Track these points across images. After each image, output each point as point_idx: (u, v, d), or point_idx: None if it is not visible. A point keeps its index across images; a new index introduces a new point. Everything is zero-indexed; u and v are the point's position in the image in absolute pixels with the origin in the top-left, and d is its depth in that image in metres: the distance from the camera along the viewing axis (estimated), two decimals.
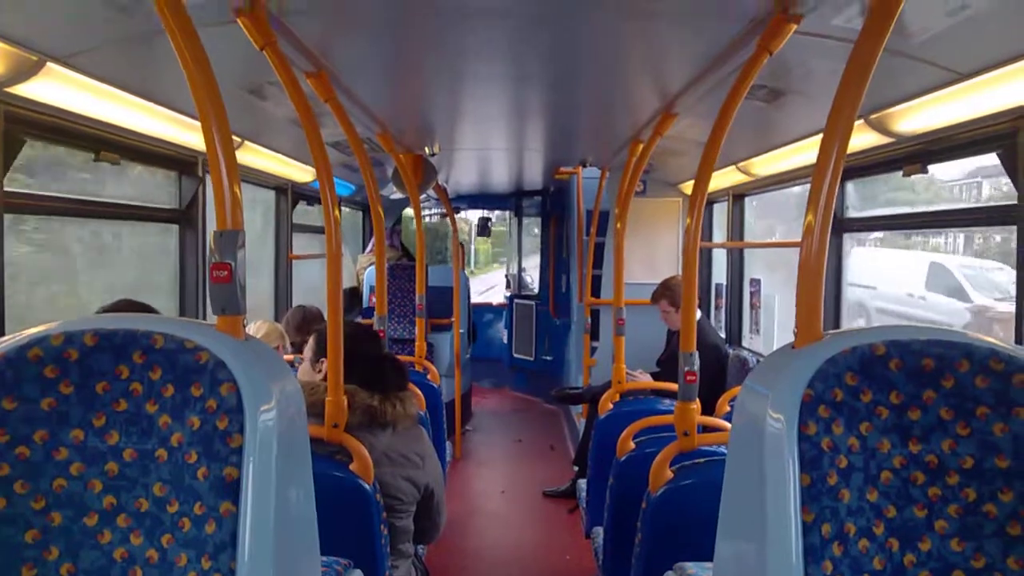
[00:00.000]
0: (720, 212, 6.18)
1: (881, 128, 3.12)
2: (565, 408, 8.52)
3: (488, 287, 14.86)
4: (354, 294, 7.82)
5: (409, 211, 9.40)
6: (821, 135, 1.77)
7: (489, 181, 8.75)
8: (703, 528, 1.93)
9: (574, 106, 4.26)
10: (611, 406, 4.12)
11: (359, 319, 6.95)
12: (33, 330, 1.62)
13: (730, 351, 5.27)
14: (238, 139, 4.10)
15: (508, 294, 11.18)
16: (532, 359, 10.19)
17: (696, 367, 2.80)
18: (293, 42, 2.60)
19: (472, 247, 13.76)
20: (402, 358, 3.41)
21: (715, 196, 5.96)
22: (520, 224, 11.37)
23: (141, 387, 1.58)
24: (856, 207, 4.22)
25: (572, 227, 8.30)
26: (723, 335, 5.88)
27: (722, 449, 2.77)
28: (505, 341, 10.77)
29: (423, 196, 6.51)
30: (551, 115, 4.60)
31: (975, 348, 1.57)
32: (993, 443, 1.54)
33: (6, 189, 2.66)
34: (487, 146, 5.92)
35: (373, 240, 7.37)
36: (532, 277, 11.21)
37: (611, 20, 2.58)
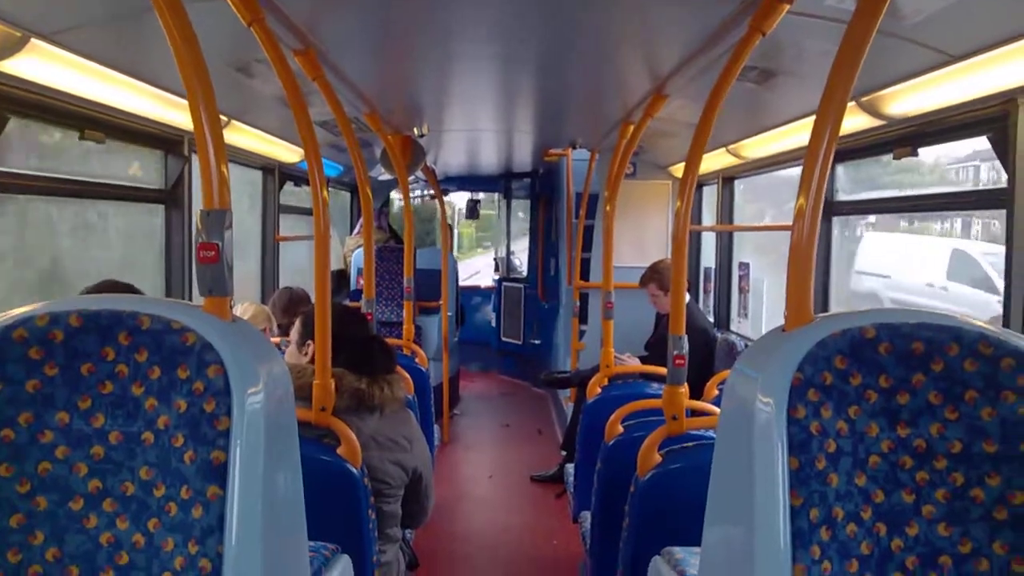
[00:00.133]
0: (709, 195, 6.17)
1: (872, 111, 3.12)
2: (553, 392, 8.52)
3: (472, 272, 14.65)
4: (341, 276, 7.79)
5: (396, 192, 9.36)
6: (813, 117, 1.76)
7: (478, 163, 8.72)
8: (691, 512, 1.93)
9: (564, 87, 4.24)
10: (599, 390, 4.11)
11: (347, 302, 6.93)
12: (17, 311, 1.59)
13: (718, 335, 5.27)
14: (225, 118, 4.05)
15: (497, 277, 11.17)
16: (520, 343, 10.20)
17: (685, 351, 2.79)
18: (281, 18, 2.56)
19: (456, 231, 13.67)
20: (390, 341, 3.39)
21: (705, 179, 5.94)
22: (509, 206, 11.34)
23: (127, 369, 1.56)
24: (846, 190, 4.22)
25: (561, 210, 8.28)
26: (711, 319, 5.89)
27: (710, 433, 2.77)
28: (493, 324, 10.77)
29: (411, 178, 6.47)
30: (541, 96, 4.58)
31: (965, 332, 1.57)
32: (981, 427, 1.54)
33: None
34: (476, 127, 5.88)
35: (361, 222, 7.34)
36: (521, 260, 11.20)
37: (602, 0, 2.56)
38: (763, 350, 1.77)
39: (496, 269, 11.56)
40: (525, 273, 10.70)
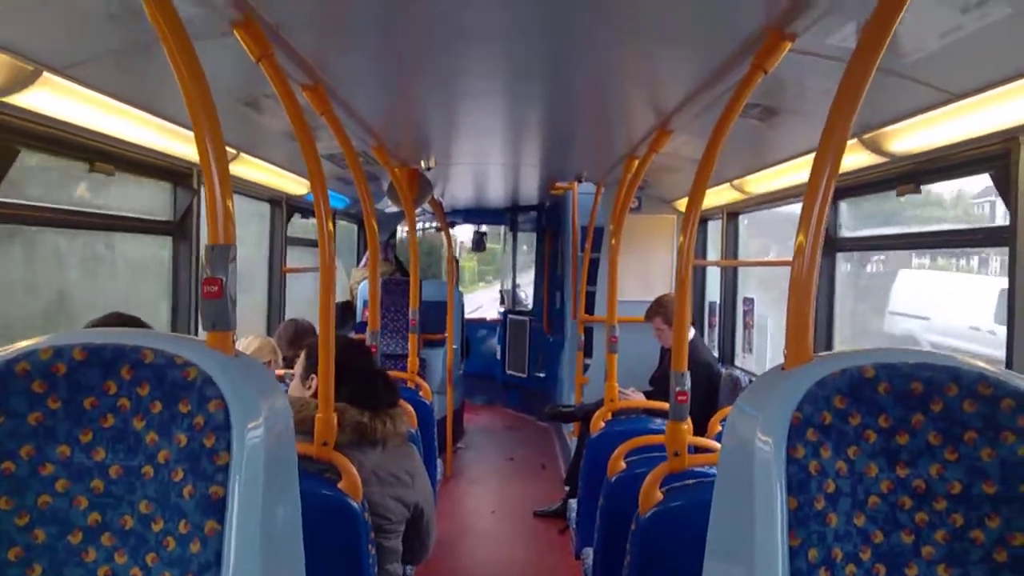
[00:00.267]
0: (714, 230, 6.18)
1: (874, 148, 3.13)
2: (557, 426, 8.48)
3: (475, 307, 14.47)
4: (347, 308, 7.80)
5: (403, 225, 9.40)
6: (815, 154, 1.77)
7: (485, 196, 8.75)
8: (692, 550, 1.91)
9: (570, 122, 4.27)
10: (603, 425, 4.09)
11: (352, 334, 6.93)
12: (21, 344, 1.61)
13: (723, 370, 5.26)
14: (233, 151, 4.09)
15: (502, 310, 11.16)
16: (525, 376, 10.16)
17: (688, 386, 2.78)
18: (290, 54, 2.60)
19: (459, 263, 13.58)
20: (394, 374, 3.39)
21: (709, 213, 5.96)
22: (515, 239, 11.37)
23: (129, 403, 1.57)
24: (864, 225, 4.20)
25: (567, 243, 8.29)
26: (716, 354, 5.87)
27: (712, 470, 2.75)
28: (498, 357, 10.75)
29: (418, 210, 6.50)
30: (547, 131, 4.61)
31: (964, 372, 1.57)
32: (981, 468, 1.54)
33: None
34: (483, 161, 5.92)
35: (367, 254, 7.37)
36: (526, 293, 11.20)
37: (607, 38, 2.59)
38: (763, 388, 1.77)
39: (502, 302, 11.56)
40: (531, 306, 10.71)
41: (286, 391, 2.92)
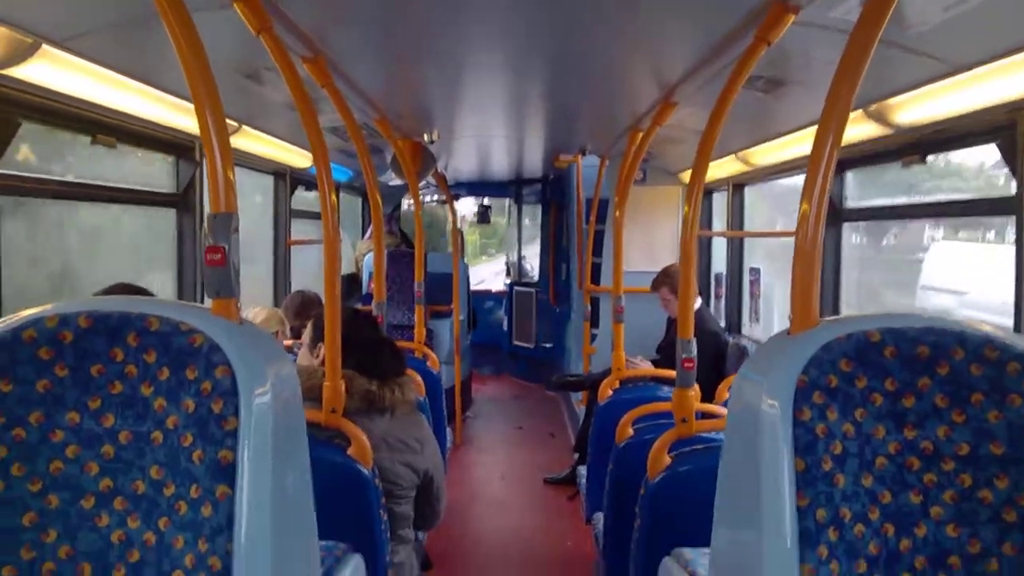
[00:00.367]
0: (720, 201, 6.17)
1: (880, 119, 3.12)
2: (565, 395, 8.52)
3: (477, 281, 14.39)
4: (353, 280, 7.82)
5: (408, 197, 9.39)
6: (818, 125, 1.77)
7: (489, 168, 8.74)
8: (701, 514, 1.93)
9: (574, 94, 4.25)
10: (611, 393, 4.12)
11: (358, 305, 6.95)
12: (27, 312, 1.62)
13: (729, 339, 5.27)
14: (235, 124, 4.09)
15: (508, 281, 11.18)
16: (532, 346, 10.21)
17: (694, 354, 2.81)
18: (290, 27, 2.58)
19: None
20: (402, 344, 3.40)
21: (715, 185, 5.95)
22: (520, 212, 11.36)
23: (136, 369, 1.58)
24: (864, 197, 4.17)
25: (572, 215, 8.29)
26: (723, 323, 5.89)
27: (720, 436, 2.77)
28: (505, 328, 10.78)
29: (422, 183, 6.49)
30: (551, 103, 4.59)
31: (970, 336, 1.57)
32: (988, 430, 1.55)
33: (1, 172, 2.65)
34: (486, 133, 5.90)
35: (372, 226, 7.38)
36: (532, 265, 11.21)
37: (610, 9, 2.57)
38: (768, 353, 1.77)
39: (508, 274, 11.57)
40: (537, 278, 10.71)
41: (294, 361, 2.94)
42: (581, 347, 6.71)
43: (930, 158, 3.30)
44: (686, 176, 6.25)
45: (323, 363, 2.73)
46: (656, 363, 5.01)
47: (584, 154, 6.51)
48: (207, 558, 1.51)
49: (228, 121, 1.80)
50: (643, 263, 6.04)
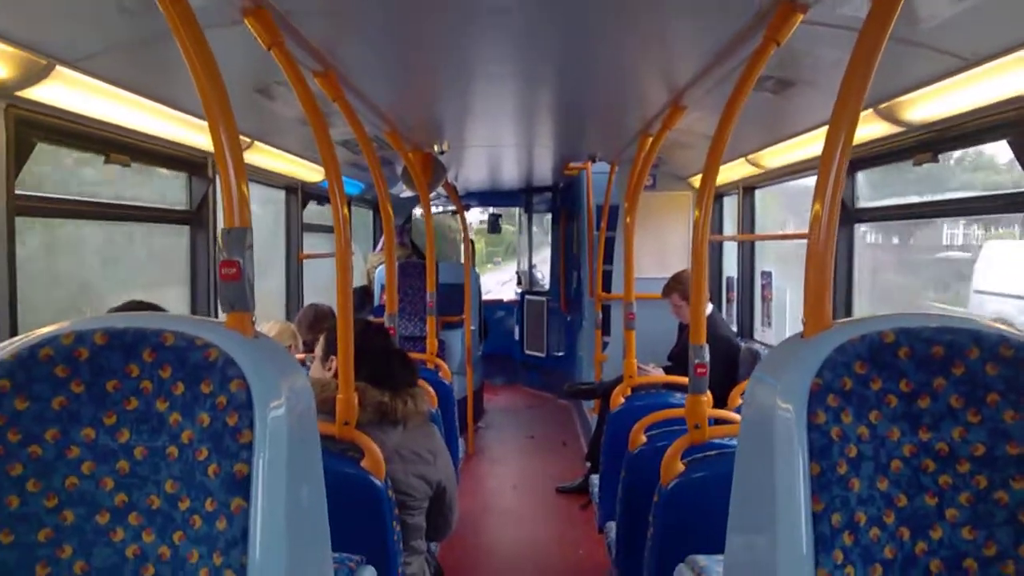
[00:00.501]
0: (731, 205, 6.15)
1: (890, 117, 3.10)
2: (577, 403, 8.51)
3: (485, 291, 14.31)
4: (365, 292, 7.84)
5: (419, 209, 9.41)
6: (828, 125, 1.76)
7: (499, 178, 8.75)
8: (715, 520, 1.93)
9: (583, 101, 4.25)
10: (623, 400, 4.11)
11: (370, 317, 6.97)
12: (44, 330, 1.63)
13: (742, 344, 5.25)
14: (247, 139, 4.11)
15: (519, 290, 11.18)
16: (544, 355, 10.19)
17: (706, 360, 2.80)
18: (300, 42, 2.60)
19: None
20: (414, 355, 3.41)
21: (725, 189, 5.93)
22: (530, 220, 11.36)
23: (151, 385, 1.59)
24: (915, 192, 4.11)
25: (582, 222, 8.28)
26: (735, 328, 5.87)
27: (733, 442, 2.76)
28: (516, 337, 10.77)
29: (433, 194, 6.51)
30: (560, 111, 4.60)
31: (985, 335, 1.56)
32: (1004, 430, 1.53)
33: (17, 192, 2.68)
34: (496, 143, 5.91)
35: (383, 238, 7.40)
36: (543, 273, 11.20)
37: (618, 14, 2.58)
38: (782, 356, 1.77)
39: (519, 283, 11.57)
40: (547, 286, 10.70)
41: (307, 374, 2.95)
42: (593, 355, 6.70)
43: (957, 153, 3.24)
44: (696, 180, 6.24)
45: (336, 375, 2.74)
46: (668, 370, 4.99)
47: (594, 161, 6.51)
48: (222, 571, 1.51)
49: (241, 137, 1.81)
50: (654, 269, 6.03)
